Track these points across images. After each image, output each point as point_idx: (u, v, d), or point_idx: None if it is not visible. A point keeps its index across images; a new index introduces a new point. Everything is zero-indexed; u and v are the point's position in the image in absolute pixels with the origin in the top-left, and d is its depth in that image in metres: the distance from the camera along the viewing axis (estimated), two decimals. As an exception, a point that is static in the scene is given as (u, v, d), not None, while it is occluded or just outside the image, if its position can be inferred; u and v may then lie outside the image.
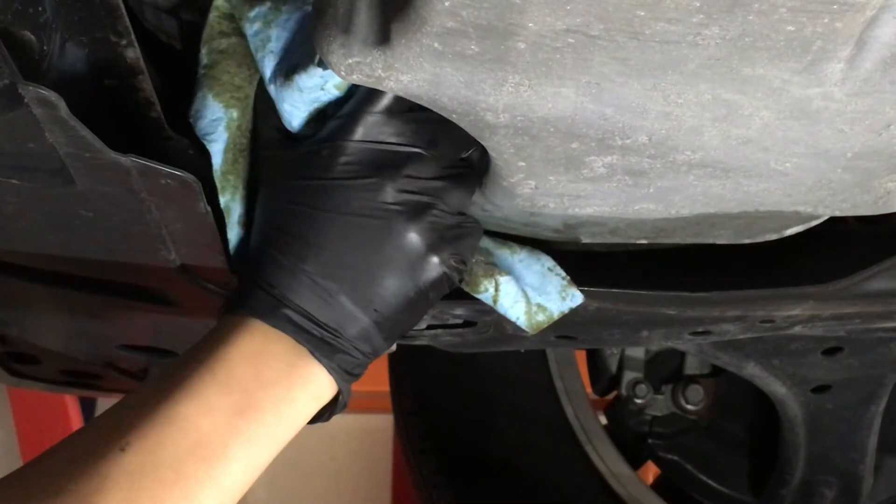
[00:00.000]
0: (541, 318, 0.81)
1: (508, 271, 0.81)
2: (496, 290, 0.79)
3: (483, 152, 0.70)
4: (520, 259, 0.82)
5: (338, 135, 0.67)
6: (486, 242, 0.82)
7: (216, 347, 0.66)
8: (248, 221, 0.74)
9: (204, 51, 0.72)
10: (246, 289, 0.69)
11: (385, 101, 0.66)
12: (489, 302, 0.79)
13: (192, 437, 0.62)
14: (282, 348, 0.67)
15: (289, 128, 0.70)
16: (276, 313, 0.67)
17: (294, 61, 0.68)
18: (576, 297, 0.81)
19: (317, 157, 0.67)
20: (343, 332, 0.68)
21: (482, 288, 0.79)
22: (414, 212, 0.68)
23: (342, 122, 0.67)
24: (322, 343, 0.67)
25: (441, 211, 0.69)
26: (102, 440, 0.62)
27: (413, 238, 0.68)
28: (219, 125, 0.72)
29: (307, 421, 0.69)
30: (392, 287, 0.69)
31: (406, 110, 0.67)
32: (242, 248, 0.74)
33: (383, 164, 0.67)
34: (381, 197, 0.67)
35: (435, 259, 0.69)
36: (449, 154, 0.70)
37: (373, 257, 0.68)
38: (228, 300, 0.70)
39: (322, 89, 0.68)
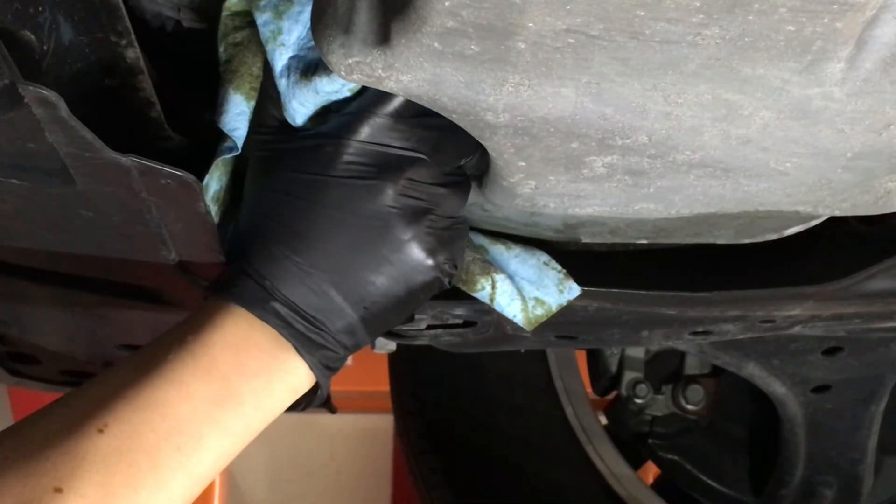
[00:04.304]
0: (539, 311, 0.81)
1: (505, 267, 0.81)
2: (493, 288, 0.79)
3: (480, 158, 0.71)
4: (515, 254, 0.82)
5: (342, 133, 0.67)
6: (481, 239, 0.82)
7: (200, 332, 0.66)
8: (224, 198, 0.73)
9: (221, 48, 0.72)
10: (233, 274, 0.69)
11: (393, 105, 0.66)
12: (486, 300, 0.80)
13: (169, 423, 0.63)
14: (265, 338, 0.67)
15: (291, 122, 0.69)
16: (264, 305, 0.67)
17: (311, 60, 0.68)
18: (573, 290, 0.82)
19: (319, 153, 0.67)
20: (329, 326, 0.68)
21: (479, 286, 0.79)
22: (412, 216, 0.68)
23: (347, 119, 0.67)
24: (306, 339, 0.67)
25: (437, 216, 0.69)
26: (81, 418, 0.62)
27: (410, 242, 0.68)
28: (243, 119, 0.71)
29: (282, 412, 0.69)
30: (383, 286, 0.69)
31: (413, 115, 0.67)
32: (222, 228, 0.73)
33: (386, 167, 0.67)
34: (381, 199, 0.67)
35: (430, 262, 0.70)
36: (450, 161, 0.70)
37: (367, 256, 0.68)
38: (215, 282, 0.70)
39: (337, 93, 0.67)
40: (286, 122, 0.70)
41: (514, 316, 0.80)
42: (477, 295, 0.80)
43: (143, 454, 0.61)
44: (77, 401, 0.64)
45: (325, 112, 0.69)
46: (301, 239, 0.67)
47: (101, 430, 0.61)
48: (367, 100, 0.67)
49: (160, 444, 0.62)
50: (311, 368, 0.68)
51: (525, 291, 0.81)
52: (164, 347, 0.66)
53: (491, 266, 0.80)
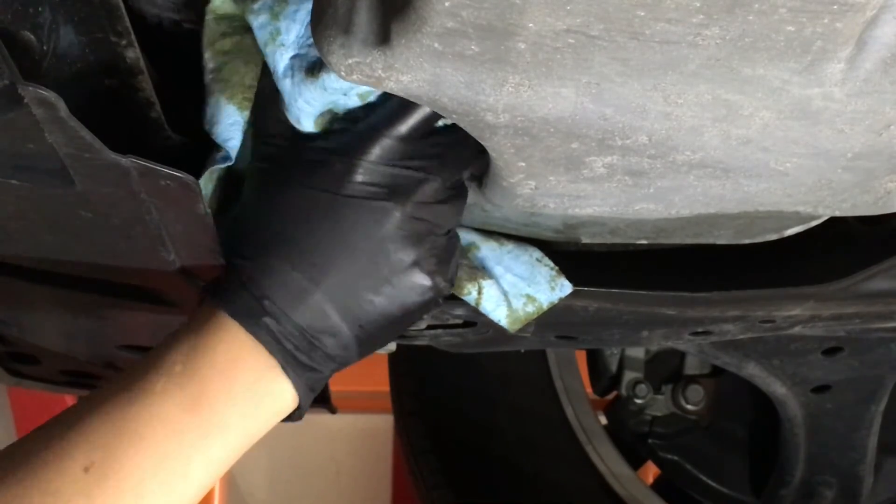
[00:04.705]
0: (530, 308, 0.81)
1: (497, 263, 0.81)
2: (479, 293, 0.80)
3: (480, 158, 0.70)
4: (508, 251, 0.82)
5: (352, 151, 0.66)
6: (473, 236, 0.82)
7: (190, 358, 0.66)
8: (212, 206, 0.73)
9: (207, 55, 0.71)
10: (230, 283, 0.68)
11: (406, 128, 0.65)
12: (472, 304, 0.80)
13: (156, 457, 0.63)
14: (254, 359, 0.66)
15: (295, 125, 0.68)
16: (257, 320, 0.66)
17: (314, 58, 0.67)
18: (565, 287, 0.82)
19: (328, 170, 0.66)
20: (321, 344, 0.67)
21: (465, 291, 0.80)
22: (416, 238, 0.68)
23: (357, 137, 0.66)
24: (294, 360, 0.67)
25: (437, 235, 0.69)
26: (67, 453, 0.62)
27: (412, 264, 0.68)
28: (237, 129, 0.70)
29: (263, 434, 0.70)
30: (381, 306, 0.68)
31: (422, 136, 0.66)
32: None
33: (396, 189, 0.66)
34: (388, 221, 0.67)
35: (428, 283, 0.69)
36: (452, 176, 0.69)
37: (369, 277, 0.67)
38: (212, 285, 0.70)
39: (345, 94, 0.66)
40: (291, 131, 0.69)
41: (500, 320, 0.80)
42: (464, 298, 0.80)
43: (128, 491, 0.62)
44: (60, 432, 0.64)
45: (331, 121, 0.68)
46: (303, 255, 0.67)
47: (86, 470, 0.61)
48: (378, 119, 0.66)
49: (145, 480, 0.63)
50: (296, 389, 0.67)
51: (517, 288, 0.81)
52: (153, 376, 0.65)
53: (478, 272, 0.80)
